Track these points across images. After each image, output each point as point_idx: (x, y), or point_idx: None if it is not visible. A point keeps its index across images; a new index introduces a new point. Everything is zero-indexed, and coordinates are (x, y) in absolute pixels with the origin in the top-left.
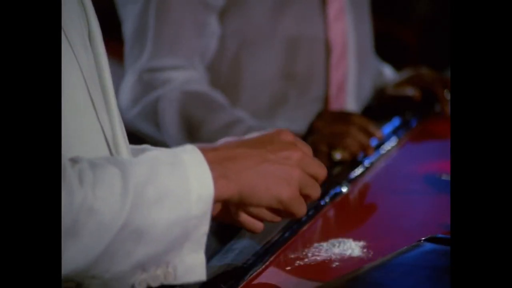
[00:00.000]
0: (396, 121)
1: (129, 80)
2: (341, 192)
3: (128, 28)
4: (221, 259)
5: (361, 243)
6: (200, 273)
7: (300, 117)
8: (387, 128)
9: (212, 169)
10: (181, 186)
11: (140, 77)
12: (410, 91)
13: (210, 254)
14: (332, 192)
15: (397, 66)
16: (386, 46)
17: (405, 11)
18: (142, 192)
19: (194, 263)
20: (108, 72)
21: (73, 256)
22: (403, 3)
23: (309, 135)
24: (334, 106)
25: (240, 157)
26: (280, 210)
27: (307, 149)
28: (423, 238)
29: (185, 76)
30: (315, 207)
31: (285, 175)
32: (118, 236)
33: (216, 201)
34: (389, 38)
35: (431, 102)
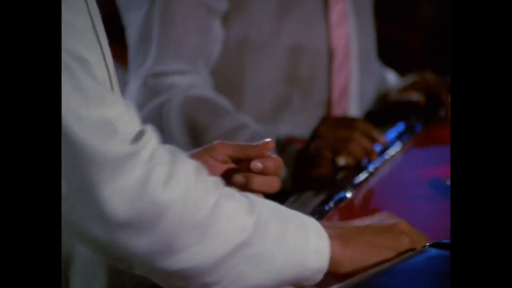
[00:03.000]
0: (400, 126)
1: (134, 85)
2: (345, 197)
3: (132, 33)
4: None
5: None
6: None
7: (303, 121)
8: (392, 133)
9: (328, 233)
10: (300, 235)
11: (145, 82)
12: (414, 96)
13: None
14: (337, 197)
15: (401, 70)
16: (390, 50)
17: (409, 16)
18: (265, 223)
19: None
20: (112, 66)
21: (197, 253)
22: (407, 8)
23: (312, 141)
24: (337, 110)
25: (353, 232)
26: None
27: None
28: (427, 244)
29: (190, 80)
30: (319, 212)
31: (395, 244)
32: (237, 252)
33: (331, 259)
34: (393, 43)
35: (435, 107)
